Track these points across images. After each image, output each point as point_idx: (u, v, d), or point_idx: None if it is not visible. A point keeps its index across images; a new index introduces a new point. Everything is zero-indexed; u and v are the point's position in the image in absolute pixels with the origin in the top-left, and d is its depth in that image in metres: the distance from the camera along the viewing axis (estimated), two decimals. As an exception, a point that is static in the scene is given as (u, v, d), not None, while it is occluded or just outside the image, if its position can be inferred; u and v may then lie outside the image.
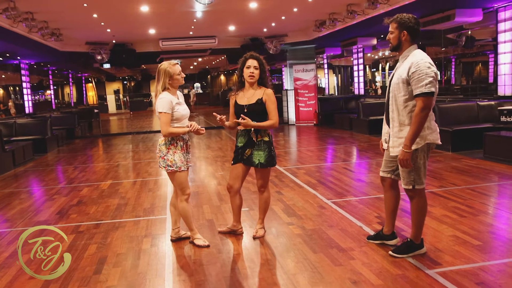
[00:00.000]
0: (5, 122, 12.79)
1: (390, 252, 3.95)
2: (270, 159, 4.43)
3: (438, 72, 3.62)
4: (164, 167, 4.34)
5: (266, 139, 4.42)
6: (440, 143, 3.79)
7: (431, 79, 3.49)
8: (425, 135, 3.66)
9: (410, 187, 3.77)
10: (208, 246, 4.43)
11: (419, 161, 3.71)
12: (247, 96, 4.44)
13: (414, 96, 3.55)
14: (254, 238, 4.61)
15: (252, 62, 4.38)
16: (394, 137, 3.76)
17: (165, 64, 4.31)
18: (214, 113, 4.50)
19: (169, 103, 4.21)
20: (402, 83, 3.63)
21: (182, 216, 4.47)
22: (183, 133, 4.31)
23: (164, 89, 4.28)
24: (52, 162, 10.91)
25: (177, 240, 4.66)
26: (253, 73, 4.37)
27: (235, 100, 4.49)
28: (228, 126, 4.53)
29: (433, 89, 3.49)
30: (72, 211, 6.10)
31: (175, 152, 4.32)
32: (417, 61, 3.54)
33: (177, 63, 4.38)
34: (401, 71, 3.66)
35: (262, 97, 4.38)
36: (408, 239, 3.94)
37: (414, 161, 3.70)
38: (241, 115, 4.30)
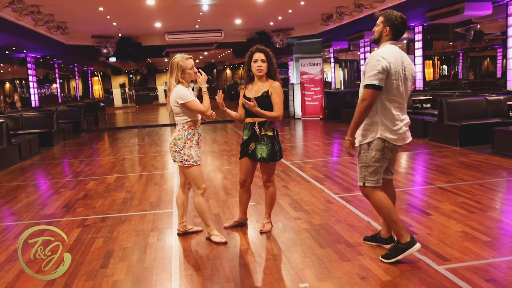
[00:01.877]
0: (12, 115, 12.82)
1: (380, 258, 3.76)
2: (273, 154, 4.37)
3: (389, 66, 3.53)
4: (180, 161, 4.30)
5: (270, 133, 4.37)
6: (399, 144, 3.63)
7: (375, 71, 3.43)
8: (376, 129, 3.58)
9: (361, 183, 3.71)
10: (225, 243, 4.35)
11: (370, 157, 3.61)
12: (255, 89, 4.41)
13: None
14: (261, 232, 4.59)
15: (259, 56, 4.34)
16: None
17: (178, 58, 4.30)
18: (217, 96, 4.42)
19: (189, 91, 4.23)
20: (362, 76, 3.65)
21: (198, 211, 4.43)
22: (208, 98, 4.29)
23: (178, 82, 4.27)
24: (58, 155, 10.93)
25: (184, 234, 4.64)
26: (261, 66, 4.33)
27: (244, 93, 4.47)
28: (235, 117, 4.50)
29: (374, 82, 3.43)
30: (79, 204, 6.10)
31: (191, 146, 4.30)
32: (371, 55, 3.54)
33: (190, 58, 4.36)
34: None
35: (268, 90, 4.34)
36: (395, 241, 3.73)
37: (365, 157, 3.64)
38: (252, 98, 4.26)
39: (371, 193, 3.69)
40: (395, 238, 3.74)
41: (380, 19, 3.67)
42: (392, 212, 3.66)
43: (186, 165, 4.31)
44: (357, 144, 3.74)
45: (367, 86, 3.46)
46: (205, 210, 4.42)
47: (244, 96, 4.38)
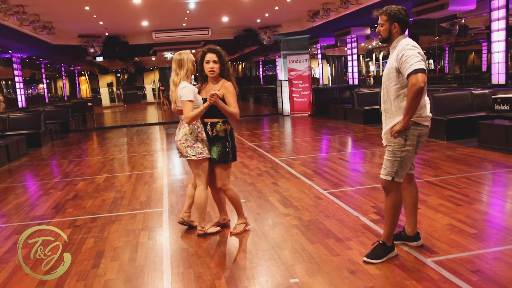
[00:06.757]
0: (-2, 116, 12.72)
1: (364, 258, 3.71)
2: (223, 156, 4.34)
3: (423, 53, 3.56)
4: (193, 155, 4.32)
5: (222, 134, 4.34)
6: (428, 128, 3.66)
7: (418, 58, 3.40)
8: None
9: (389, 178, 3.64)
10: (220, 231, 4.62)
11: (406, 151, 3.57)
12: (208, 90, 4.37)
13: (406, 78, 3.43)
14: (231, 234, 4.56)
15: (210, 57, 4.29)
16: (385, 127, 3.74)
17: (184, 53, 4.40)
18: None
19: (193, 91, 4.26)
20: (392, 73, 3.59)
21: (198, 206, 4.44)
22: (201, 113, 4.23)
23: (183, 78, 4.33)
24: (46, 156, 10.87)
25: (183, 224, 4.69)
26: (213, 67, 4.29)
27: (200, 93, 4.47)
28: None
29: (422, 66, 3.37)
30: (68, 205, 6.09)
31: (202, 139, 4.36)
32: (402, 47, 3.51)
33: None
34: (391, 61, 3.64)
35: (219, 90, 4.27)
36: (380, 242, 3.76)
37: (400, 151, 3.58)
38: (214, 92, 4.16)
39: (396, 190, 3.67)
40: (381, 240, 3.75)
41: (383, 17, 3.65)
42: (399, 215, 3.72)
43: (200, 158, 4.34)
44: (384, 143, 3.71)
45: (416, 71, 3.35)
46: (205, 207, 4.47)
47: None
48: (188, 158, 4.38)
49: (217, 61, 4.29)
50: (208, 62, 4.30)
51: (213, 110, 4.24)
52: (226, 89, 4.29)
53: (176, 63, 4.39)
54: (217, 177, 4.42)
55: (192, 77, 4.61)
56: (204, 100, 4.29)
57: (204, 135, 4.39)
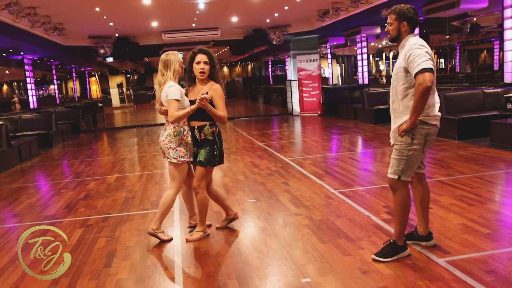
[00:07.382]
0: (11, 117, 12.84)
1: (373, 256, 3.72)
2: (211, 158, 4.32)
3: (431, 52, 3.54)
4: (174, 158, 4.30)
5: (210, 138, 4.32)
6: (437, 127, 3.62)
7: (426, 57, 3.39)
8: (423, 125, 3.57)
9: (396, 177, 3.63)
10: (171, 239, 4.51)
11: (412, 150, 3.56)
12: (196, 92, 4.36)
13: (414, 77, 3.42)
14: (187, 241, 4.48)
15: (201, 57, 4.28)
16: (393, 126, 3.73)
17: (171, 54, 4.36)
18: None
19: (180, 91, 4.23)
20: (400, 72, 3.58)
21: (163, 206, 4.39)
22: (187, 115, 4.23)
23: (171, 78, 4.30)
24: (58, 156, 10.95)
25: (194, 228, 4.68)
26: (203, 68, 4.27)
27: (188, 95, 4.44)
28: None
29: (430, 65, 3.36)
30: (80, 205, 6.13)
31: (187, 143, 4.33)
32: (410, 46, 3.50)
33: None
34: (399, 60, 3.63)
35: (207, 92, 4.25)
36: (391, 241, 3.74)
37: (407, 150, 3.57)
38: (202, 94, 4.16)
39: (402, 188, 3.65)
40: (392, 239, 3.74)
41: (392, 16, 3.65)
42: (408, 213, 3.70)
43: (181, 161, 4.31)
44: (392, 142, 3.71)
45: (423, 70, 3.34)
46: (169, 209, 4.43)
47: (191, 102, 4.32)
48: (169, 159, 4.34)
49: (207, 62, 4.28)
50: (198, 63, 4.28)
51: (200, 113, 4.22)
52: (214, 92, 4.27)
53: (162, 63, 4.35)
54: (196, 176, 4.36)
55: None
56: (192, 102, 4.27)
57: (189, 138, 4.34)
